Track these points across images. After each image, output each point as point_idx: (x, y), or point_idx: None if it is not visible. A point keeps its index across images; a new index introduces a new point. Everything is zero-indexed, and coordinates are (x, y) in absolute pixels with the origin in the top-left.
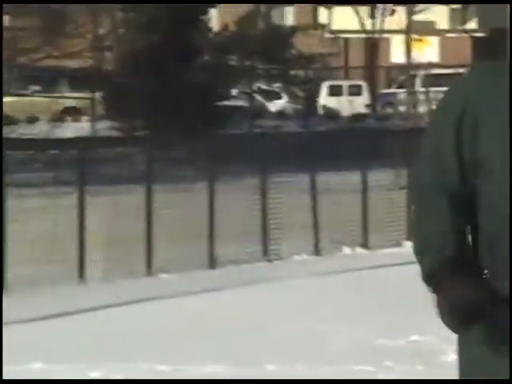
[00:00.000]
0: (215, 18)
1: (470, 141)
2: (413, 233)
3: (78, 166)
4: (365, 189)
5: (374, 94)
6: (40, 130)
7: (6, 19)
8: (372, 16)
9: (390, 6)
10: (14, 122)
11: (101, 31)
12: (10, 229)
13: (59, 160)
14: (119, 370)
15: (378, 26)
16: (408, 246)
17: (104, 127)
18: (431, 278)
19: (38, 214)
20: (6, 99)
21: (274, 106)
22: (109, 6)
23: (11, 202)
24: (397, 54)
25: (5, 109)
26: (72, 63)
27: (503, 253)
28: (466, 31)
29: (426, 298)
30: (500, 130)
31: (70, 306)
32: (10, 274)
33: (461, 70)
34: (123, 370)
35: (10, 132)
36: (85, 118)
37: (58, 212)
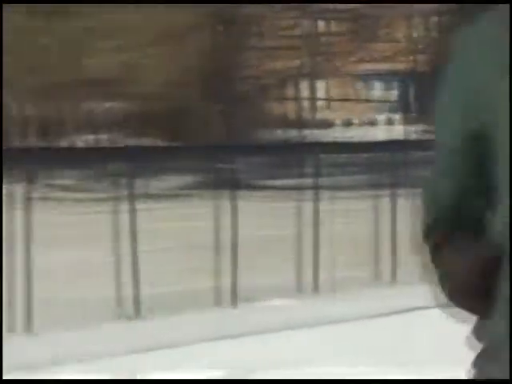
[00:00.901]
0: None
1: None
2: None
3: (390, 168)
4: None
5: None
6: (355, 133)
7: (321, 25)
8: None
9: None
10: (329, 125)
11: (414, 34)
12: (323, 231)
13: (373, 163)
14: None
15: None
16: None
17: (417, 130)
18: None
19: (352, 216)
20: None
21: None
22: (422, 9)
23: (322, 206)
24: None
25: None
26: (384, 66)
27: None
28: None
29: None
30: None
31: (384, 308)
32: (321, 276)
33: None
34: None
35: (324, 135)
36: (397, 120)
37: (371, 214)
